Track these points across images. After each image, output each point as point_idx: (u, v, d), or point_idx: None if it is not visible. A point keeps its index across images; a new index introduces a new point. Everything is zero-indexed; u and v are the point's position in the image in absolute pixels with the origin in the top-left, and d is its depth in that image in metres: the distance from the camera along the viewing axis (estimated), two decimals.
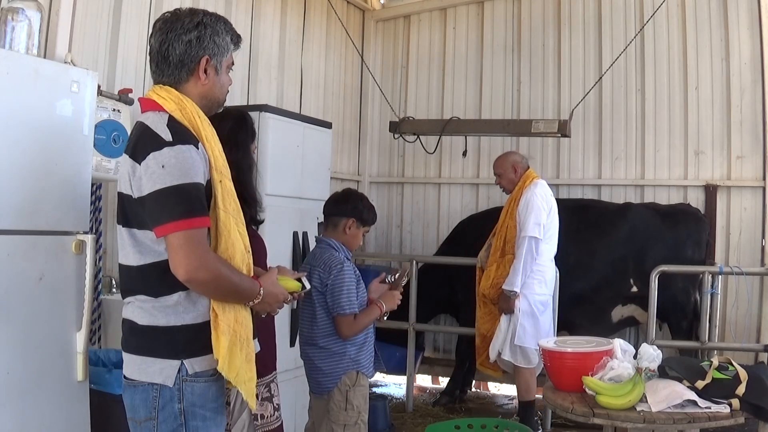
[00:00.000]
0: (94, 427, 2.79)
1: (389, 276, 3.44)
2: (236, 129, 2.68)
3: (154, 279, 1.92)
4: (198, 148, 1.91)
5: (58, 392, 2.67)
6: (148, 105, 1.99)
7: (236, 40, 2.11)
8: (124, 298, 2.02)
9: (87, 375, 2.78)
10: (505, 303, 4.43)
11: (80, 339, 2.75)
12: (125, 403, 1.99)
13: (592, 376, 2.70)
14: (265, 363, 2.71)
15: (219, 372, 1.94)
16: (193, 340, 1.92)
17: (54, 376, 2.66)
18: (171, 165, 1.84)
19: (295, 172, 4.21)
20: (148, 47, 2.06)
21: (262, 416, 2.74)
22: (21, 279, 2.56)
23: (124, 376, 1.99)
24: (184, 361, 1.91)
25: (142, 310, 1.94)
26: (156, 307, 1.92)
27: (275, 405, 2.85)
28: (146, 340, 1.94)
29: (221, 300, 1.94)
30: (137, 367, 1.94)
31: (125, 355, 1.99)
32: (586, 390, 2.69)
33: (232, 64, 2.12)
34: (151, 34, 2.04)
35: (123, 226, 1.97)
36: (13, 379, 2.50)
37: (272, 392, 2.88)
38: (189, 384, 1.92)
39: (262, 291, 2.03)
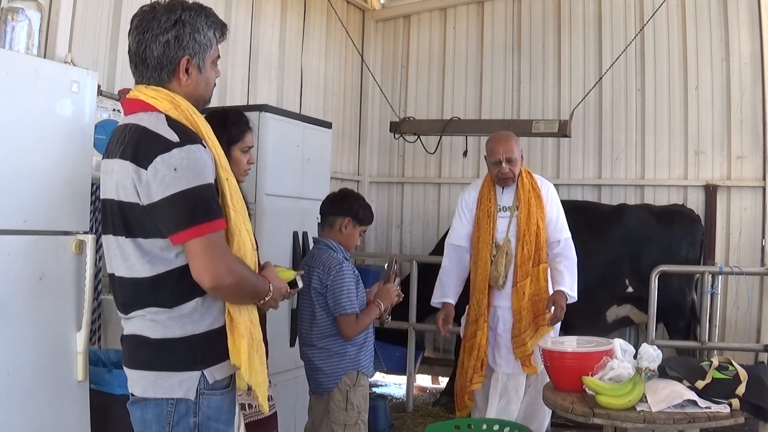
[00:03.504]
0: (94, 427, 2.79)
1: (382, 274, 3.46)
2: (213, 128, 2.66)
3: (168, 289, 1.83)
4: (205, 147, 1.84)
5: (58, 392, 2.67)
6: (135, 106, 1.88)
7: (220, 33, 1.97)
8: (126, 312, 1.90)
9: (87, 375, 2.77)
10: (562, 312, 3.67)
11: (80, 339, 2.75)
12: (133, 416, 1.91)
13: (592, 376, 2.70)
14: None
15: (233, 382, 1.90)
16: (211, 347, 1.86)
17: (54, 376, 2.66)
18: (183, 167, 1.75)
19: (295, 172, 4.20)
20: (127, 46, 1.93)
21: (250, 406, 2.74)
22: (21, 279, 2.56)
23: (132, 394, 1.90)
24: (204, 371, 1.84)
25: (154, 323, 1.84)
26: (171, 317, 1.83)
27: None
28: (162, 354, 1.84)
29: (239, 302, 1.89)
30: (151, 384, 1.84)
31: (132, 372, 1.89)
32: (586, 390, 2.69)
33: (218, 57, 2.00)
34: (129, 31, 1.92)
35: (126, 237, 1.84)
36: (13, 379, 2.50)
37: None
38: (206, 397, 1.86)
39: (271, 287, 1.99)
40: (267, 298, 1.99)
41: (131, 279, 1.85)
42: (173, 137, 1.78)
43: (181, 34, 1.87)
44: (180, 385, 1.83)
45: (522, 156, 3.84)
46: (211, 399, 1.87)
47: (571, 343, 3.02)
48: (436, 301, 3.86)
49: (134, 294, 1.87)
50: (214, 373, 1.86)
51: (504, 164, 3.72)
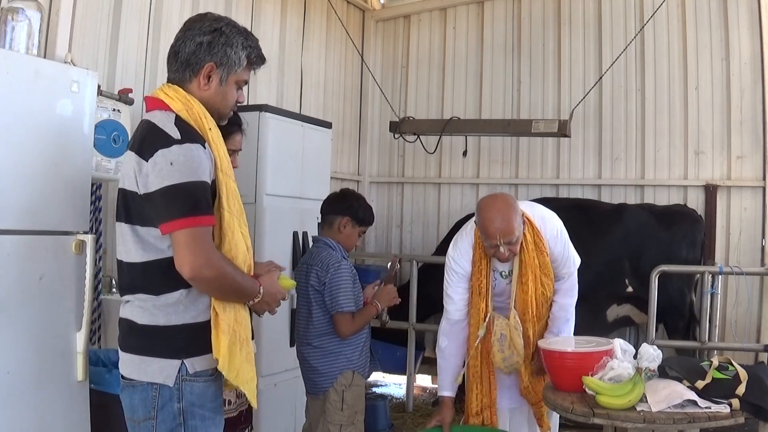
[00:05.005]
0: (94, 427, 2.79)
1: (382, 274, 3.47)
2: None
3: (156, 276, 1.92)
4: (205, 148, 1.93)
5: (58, 392, 2.67)
6: (154, 104, 2.00)
7: (255, 60, 2.09)
8: (122, 295, 2.02)
9: (87, 375, 2.78)
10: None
11: (80, 339, 2.75)
12: (123, 402, 1.99)
13: (592, 376, 2.70)
14: None
15: (218, 371, 1.94)
16: (194, 339, 1.93)
17: (54, 376, 2.66)
18: (179, 162, 1.85)
19: (295, 172, 4.21)
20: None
21: (229, 402, 2.73)
22: (21, 279, 2.56)
23: (122, 376, 1.99)
24: (184, 361, 1.92)
25: (142, 309, 1.94)
26: (156, 305, 1.93)
27: (238, 392, 2.82)
28: (146, 340, 1.94)
29: (223, 299, 1.94)
30: (136, 367, 1.94)
31: (123, 355, 1.99)
32: (586, 390, 2.68)
33: (245, 82, 2.10)
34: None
35: (125, 223, 1.97)
36: (13, 379, 2.50)
37: None
38: (188, 383, 1.92)
39: (261, 290, 2.04)
40: (256, 300, 2.03)
41: (128, 263, 1.97)
42: (175, 134, 1.89)
43: (215, 41, 2.00)
44: (160, 371, 1.91)
45: (524, 219, 3.01)
46: (194, 385, 1.93)
47: (571, 343, 3.02)
48: (439, 393, 3.25)
49: (129, 277, 1.98)
50: (195, 364, 1.93)
51: (502, 248, 2.92)
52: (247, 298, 2.02)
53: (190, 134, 1.91)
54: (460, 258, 3.16)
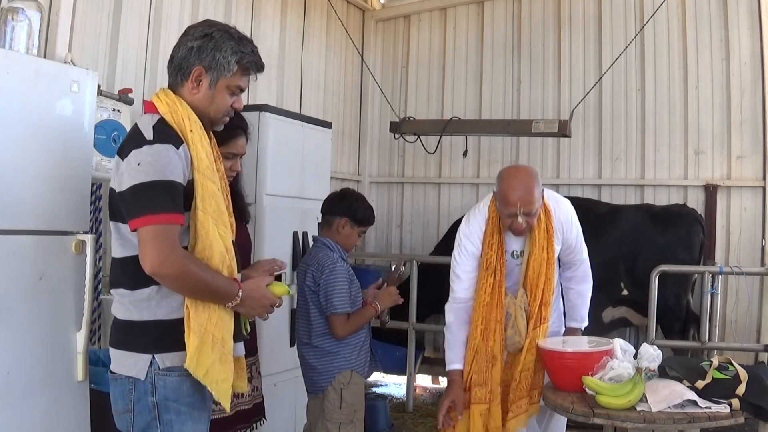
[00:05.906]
0: (94, 427, 2.79)
1: (384, 276, 3.47)
2: None
3: (131, 272, 1.97)
4: (178, 149, 1.96)
5: (58, 392, 2.67)
6: (148, 107, 2.08)
7: (248, 65, 2.09)
8: (111, 289, 2.10)
9: (87, 375, 2.78)
10: None
11: (80, 339, 2.75)
12: (110, 395, 2.06)
13: (592, 376, 2.70)
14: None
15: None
16: (165, 335, 1.96)
17: (54, 376, 2.66)
18: (147, 163, 1.91)
19: (295, 172, 4.20)
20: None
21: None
22: (21, 279, 2.56)
23: (110, 370, 2.06)
24: (155, 356, 1.96)
25: (120, 305, 2.02)
26: (131, 301, 1.99)
27: (252, 386, 2.91)
28: (123, 335, 2.02)
29: (192, 297, 1.96)
30: (117, 361, 2.02)
31: (110, 350, 2.07)
32: (586, 390, 2.68)
33: (240, 89, 2.11)
34: None
35: (110, 220, 2.06)
36: (13, 379, 2.50)
37: (251, 374, 2.92)
38: (161, 378, 1.96)
39: (240, 293, 2.02)
40: (234, 303, 2.02)
41: (113, 258, 2.07)
42: (149, 135, 1.96)
43: (204, 46, 2.04)
44: (134, 365, 1.97)
45: (543, 195, 2.99)
46: (167, 380, 1.96)
47: (571, 343, 3.02)
48: (447, 367, 3.16)
49: (114, 272, 2.08)
50: (165, 360, 1.96)
51: (520, 218, 2.89)
52: (220, 299, 2.00)
53: (163, 135, 1.96)
54: (472, 234, 3.09)
